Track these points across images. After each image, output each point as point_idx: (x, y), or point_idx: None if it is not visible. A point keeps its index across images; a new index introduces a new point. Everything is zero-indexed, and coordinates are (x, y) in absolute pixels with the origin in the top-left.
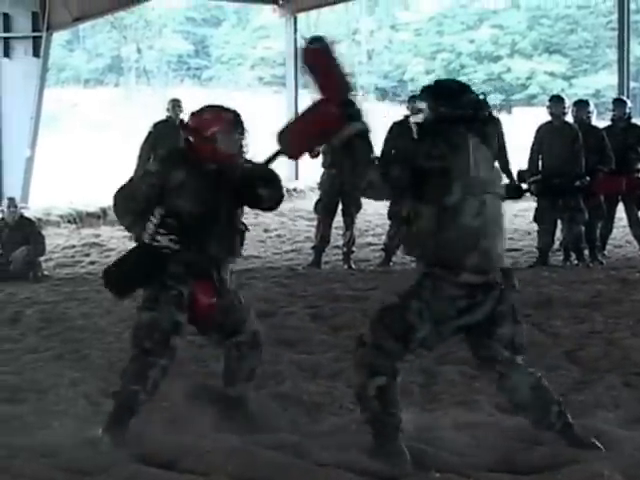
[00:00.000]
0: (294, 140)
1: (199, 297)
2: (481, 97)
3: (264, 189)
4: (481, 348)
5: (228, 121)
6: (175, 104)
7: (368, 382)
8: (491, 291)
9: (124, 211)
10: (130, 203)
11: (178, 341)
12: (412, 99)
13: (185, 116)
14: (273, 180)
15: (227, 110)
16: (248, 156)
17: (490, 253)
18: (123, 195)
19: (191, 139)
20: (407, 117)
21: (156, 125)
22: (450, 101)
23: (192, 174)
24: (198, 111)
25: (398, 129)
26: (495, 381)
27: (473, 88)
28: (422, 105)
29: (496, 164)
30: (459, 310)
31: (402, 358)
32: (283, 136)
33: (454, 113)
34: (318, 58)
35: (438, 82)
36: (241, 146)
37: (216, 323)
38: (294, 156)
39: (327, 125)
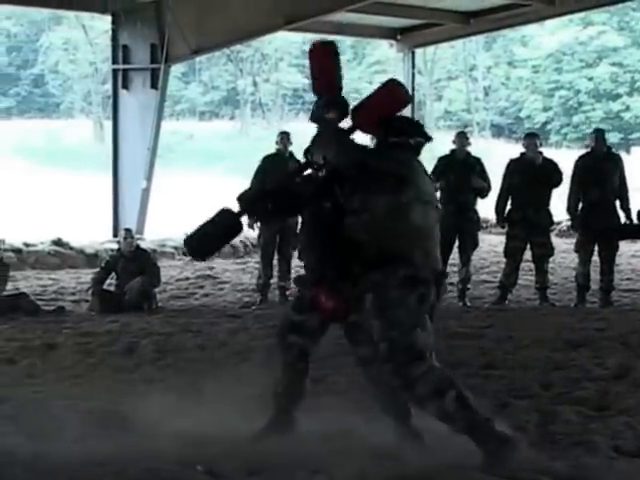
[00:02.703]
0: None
1: (320, 300)
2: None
3: None
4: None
5: None
6: (284, 137)
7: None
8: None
9: None
10: None
11: (296, 338)
12: (529, 136)
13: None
14: None
15: None
16: None
17: (430, 254)
18: None
19: None
20: (523, 154)
21: (265, 159)
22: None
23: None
24: None
25: (515, 166)
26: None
27: (416, 121)
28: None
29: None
30: (424, 301)
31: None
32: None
33: (402, 141)
34: (324, 57)
35: (392, 118)
36: None
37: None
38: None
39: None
